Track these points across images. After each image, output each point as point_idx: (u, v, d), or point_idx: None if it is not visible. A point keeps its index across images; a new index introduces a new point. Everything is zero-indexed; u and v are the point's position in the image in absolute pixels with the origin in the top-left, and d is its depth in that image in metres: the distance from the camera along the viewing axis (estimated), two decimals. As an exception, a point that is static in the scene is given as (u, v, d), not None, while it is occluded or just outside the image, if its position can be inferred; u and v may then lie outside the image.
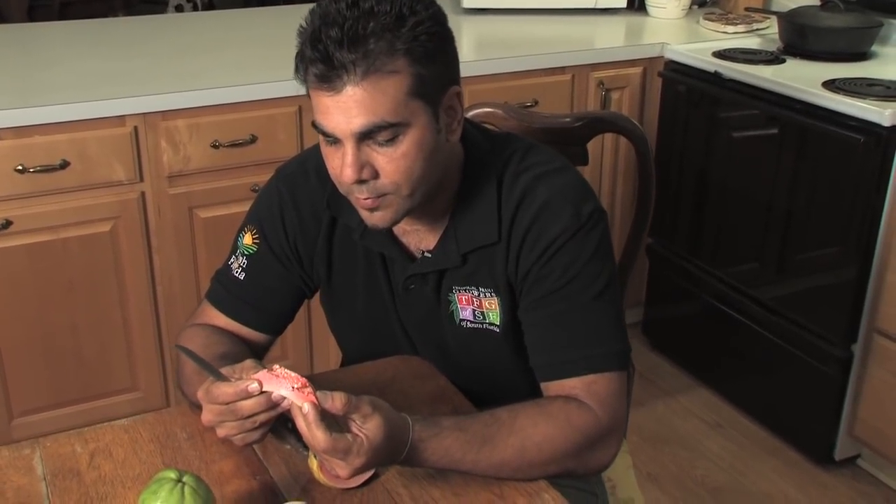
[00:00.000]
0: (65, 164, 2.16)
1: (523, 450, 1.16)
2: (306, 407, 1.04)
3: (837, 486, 2.48)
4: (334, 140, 1.15)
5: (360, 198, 1.18)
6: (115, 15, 4.83)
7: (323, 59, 1.08)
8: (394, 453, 1.10)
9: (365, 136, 1.12)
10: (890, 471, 2.46)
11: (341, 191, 1.22)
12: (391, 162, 1.15)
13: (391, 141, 1.13)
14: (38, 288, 2.25)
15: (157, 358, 2.43)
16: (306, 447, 1.13)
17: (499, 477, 1.17)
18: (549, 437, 1.18)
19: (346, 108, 1.10)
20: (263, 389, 1.07)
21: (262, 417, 1.09)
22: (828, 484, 2.48)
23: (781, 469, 2.54)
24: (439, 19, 1.15)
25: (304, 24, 1.13)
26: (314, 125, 1.16)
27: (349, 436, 1.06)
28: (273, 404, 1.08)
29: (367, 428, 1.06)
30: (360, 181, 1.15)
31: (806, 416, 2.55)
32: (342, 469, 1.07)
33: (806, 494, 2.45)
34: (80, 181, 2.20)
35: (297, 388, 1.07)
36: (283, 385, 1.07)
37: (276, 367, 1.10)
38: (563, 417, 1.19)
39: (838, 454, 2.51)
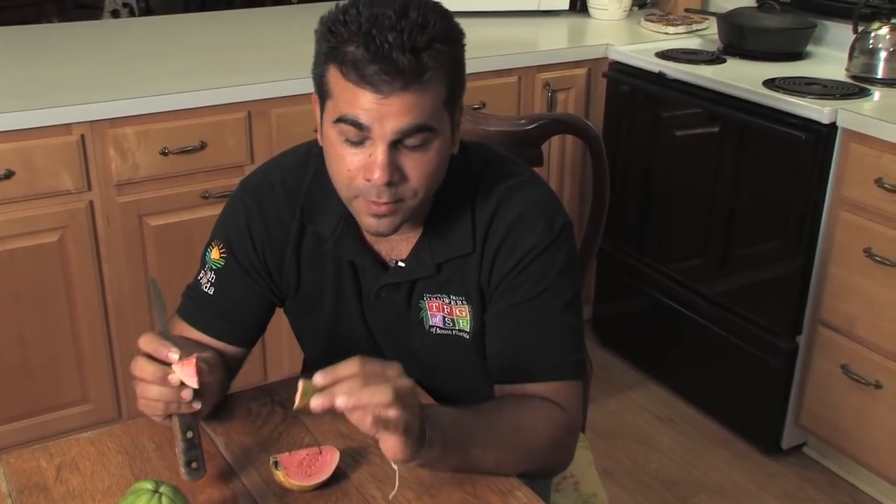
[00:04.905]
0: (10, 174, 2.12)
1: (518, 429, 1.20)
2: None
3: (785, 473, 2.54)
4: (359, 140, 1.14)
5: (375, 201, 1.17)
6: (49, 21, 4.72)
7: (380, 60, 1.08)
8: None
9: (399, 140, 1.13)
10: (834, 457, 2.53)
11: (344, 194, 1.20)
12: (418, 167, 1.16)
13: (422, 146, 1.15)
14: (-16, 301, 2.20)
15: (108, 369, 2.39)
16: (188, 468, 1.14)
17: (499, 465, 1.19)
18: (534, 424, 1.22)
19: (390, 111, 1.11)
20: (174, 366, 1.13)
21: (154, 391, 1.13)
22: (776, 472, 2.55)
23: (732, 460, 2.60)
24: (463, 35, 1.19)
25: (338, 23, 1.11)
26: (340, 121, 1.13)
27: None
28: (167, 384, 1.13)
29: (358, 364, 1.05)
30: (388, 184, 1.15)
31: (754, 408, 2.61)
32: (384, 394, 1.02)
33: (756, 483, 2.51)
34: (27, 191, 2.16)
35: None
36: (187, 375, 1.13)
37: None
38: (542, 410, 1.24)
39: (785, 443, 2.58)
